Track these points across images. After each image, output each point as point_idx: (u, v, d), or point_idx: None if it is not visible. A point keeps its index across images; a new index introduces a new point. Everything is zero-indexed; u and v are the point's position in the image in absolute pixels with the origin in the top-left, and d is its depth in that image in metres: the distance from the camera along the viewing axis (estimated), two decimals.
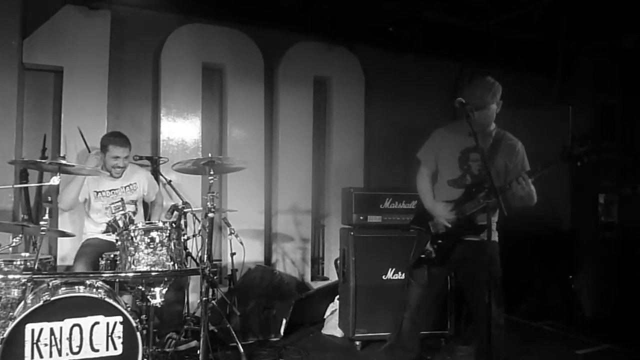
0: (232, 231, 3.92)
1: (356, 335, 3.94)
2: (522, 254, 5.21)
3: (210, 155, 3.19)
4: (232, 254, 3.97)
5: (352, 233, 4.05)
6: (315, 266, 5.35)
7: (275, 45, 5.08)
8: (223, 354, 3.58)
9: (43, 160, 3.01)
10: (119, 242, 2.95)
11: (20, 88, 4.10)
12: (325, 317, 4.48)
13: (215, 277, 3.85)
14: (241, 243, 3.95)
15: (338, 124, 5.30)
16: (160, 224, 2.94)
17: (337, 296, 4.35)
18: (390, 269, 3.98)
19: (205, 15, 4.79)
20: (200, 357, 2.88)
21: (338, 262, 4.38)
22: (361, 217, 4.12)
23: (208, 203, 3.03)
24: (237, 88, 4.87)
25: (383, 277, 3.61)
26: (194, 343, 3.59)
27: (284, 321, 4.15)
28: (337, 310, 4.32)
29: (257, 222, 4.85)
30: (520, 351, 3.95)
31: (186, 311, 4.03)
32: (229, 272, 4.18)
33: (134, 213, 3.71)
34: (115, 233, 3.12)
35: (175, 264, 2.94)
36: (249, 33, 4.90)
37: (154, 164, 4.34)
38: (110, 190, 3.73)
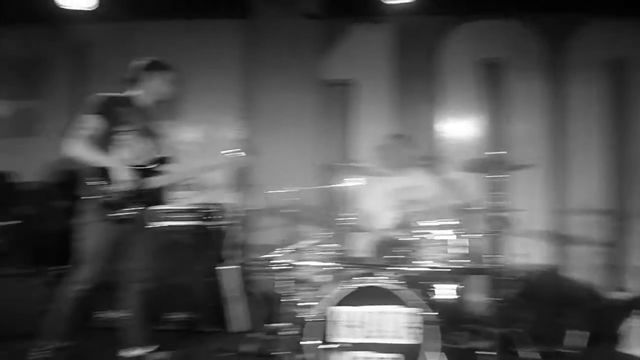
0: (519, 232, 3.76)
1: None
2: None
3: (493, 152, 3.14)
4: (519, 255, 3.81)
5: None
6: (611, 274, 4.73)
7: (558, 30, 4.69)
8: (511, 358, 3.45)
9: (346, 164, 3.40)
10: (409, 239, 3.13)
11: (320, 101, 4.72)
12: (619, 332, 3.92)
13: (503, 278, 3.76)
14: (528, 244, 3.77)
15: None
16: (449, 222, 3.01)
17: (635, 311, 3.77)
18: None
19: (481, 11, 4.73)
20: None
21: None
22: None
23: (493, 202, 2.97)
24: (517, 81, 4.71)
25: None
26: (484, 344, 3.55)
27: (581, 333, 3.78)
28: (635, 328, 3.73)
29: (546, 222, 4.56)
30: None
31: (471, 311, 4.03)
32: (516, 274, 4.02)
33: (420, 213, 3.86)
34: (403, 230, 3.32)
35: (464, 263, 2.96)
36: (528, 22, 4.65)
37: (436, 164, 4.47)
38: (399, 189, 3.97)
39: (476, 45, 4.70)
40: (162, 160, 3.30)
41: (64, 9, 4.36)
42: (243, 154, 3.33)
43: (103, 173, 3.01)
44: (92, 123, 3.03)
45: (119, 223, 3.07)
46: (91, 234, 3.07)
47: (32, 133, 5.12)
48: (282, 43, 4.66)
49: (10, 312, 3.81)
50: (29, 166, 4.83)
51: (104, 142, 3.08)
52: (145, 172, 3.16)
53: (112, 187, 3.02)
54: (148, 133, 3.27)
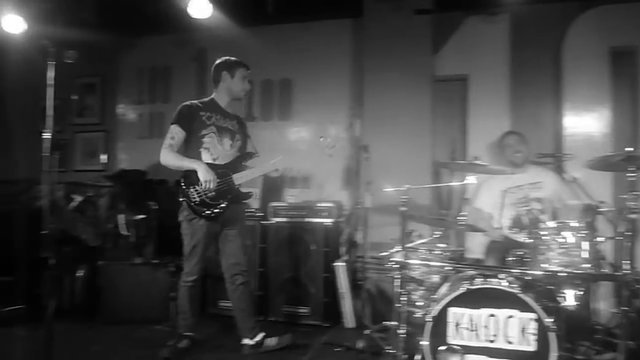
0: None
1: None
2: None
3: (628, 149, 2.86)
4: None
5: None
6: None
7: None
8: None
9: (461, 162, 3.30)
10: (529, 240, 2.97)
11: (433, 98, 4.62)
12: None
13: (633, 286, 3.44)
14: None
15: None
16: (574, 223, 2.81)
17: None
18: None
19: None
20: None
21: None
22: None
23: (629, 203, 2.72)
24: None
25: None
26: (609, 356, 3.28)
27: None
28: None
29: None
30: None
31: (596, 320, 3.74)
32: None
33: (541, 212, 3.66)
34: (520, 230, 3.16)
35: (590, 267, 2.75)
36: None
37: (557, 161, 4.20)
38: (516, 187, 3.80)
39: (605, 32, 4.31)
40: (244, 157, 3.45)
41: (185, 19, 4.70)
42: (333, 145, 3.39)
43: (190, 176, 3.25)
44: (174, 132, 3.32)
45: (210, 220, 3.28)
46: (188, 232, 3.33)
47: (163, 134, 5.57)
48: (394, 40, 4.63)
49: (140, 299, 4.21)
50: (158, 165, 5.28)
51: (190, 147, 3.34)
52: (228, 170, 3.33)
53: (198, 188, 3.24)
54: (229, 132, 3.42)
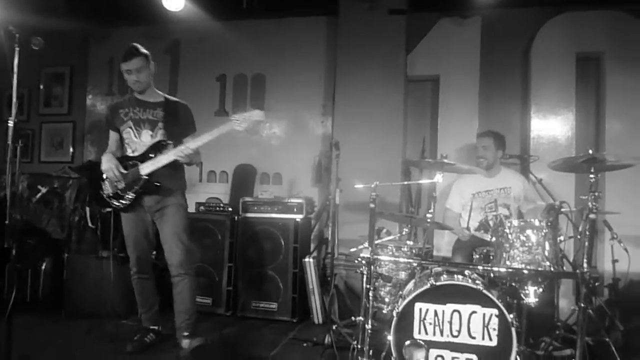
0: (614, 236, 3.54)
1: None
2: None
3: (590, 151, 2.95)
4: (614, 261, 3.58)
5: None
6: None
7: None
8: None
9: (431, 161, 3.35)
10: (494, 238, 3.04)
11: (404, 97, 4.68)
12: None
13: (592, 284, 3.55)
14: (625, 250, 3.53)
15: None
16: (537, 223, 2.89)
17: None
18: None
19: (579, 2, 4.47)
20: None
21: None
22: None
23: (589, 203, 2.81)
24: (618, 76, 4.38)
25: None
26: (568, 351, 3.39)
27: None
28: None
29: None
30: None
31: (556, 317, 3.85)
32: (606, 281, 3.79)
33: (507, 217, 3.73)
34: (486, 232, 3.22)
35: (552, 265, 2.84)
36: (634, 12, 4.31)
37: (523, 162, 4.30)
38: (486, 191, 3.88)
39: (571, 38, 4.44)
40: (153, 147, 3.29)
41: (158, 10, 4.64)
42: (251, 128, 3.23)
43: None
44: (109, 135, 3.44)
45: (124, 211, 3.34)
46: (122, 224, 3.41)
47: None
48: (367, 39, 4.66)
49: (106, 293, 4.13)
50: None
51: (121, 144, 3.41)
52: (137, 160, 3.28)
53: (107, 182, 3.32)
54: (148, 123, 3.33)
